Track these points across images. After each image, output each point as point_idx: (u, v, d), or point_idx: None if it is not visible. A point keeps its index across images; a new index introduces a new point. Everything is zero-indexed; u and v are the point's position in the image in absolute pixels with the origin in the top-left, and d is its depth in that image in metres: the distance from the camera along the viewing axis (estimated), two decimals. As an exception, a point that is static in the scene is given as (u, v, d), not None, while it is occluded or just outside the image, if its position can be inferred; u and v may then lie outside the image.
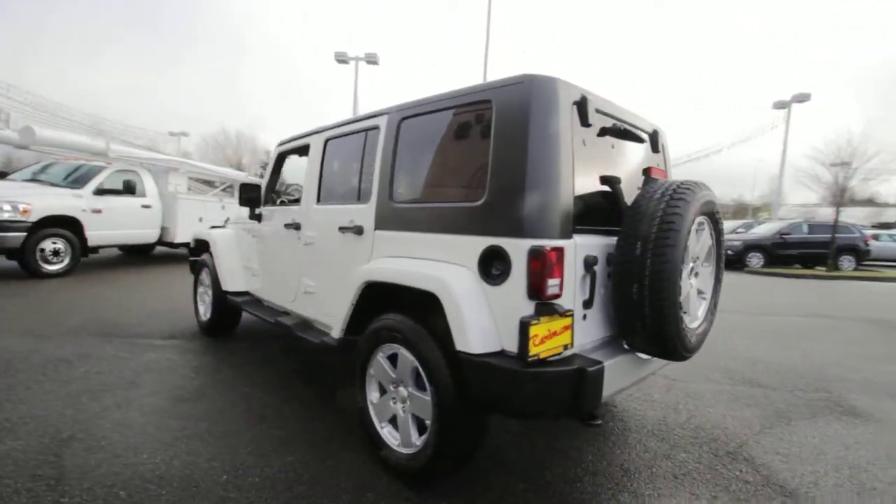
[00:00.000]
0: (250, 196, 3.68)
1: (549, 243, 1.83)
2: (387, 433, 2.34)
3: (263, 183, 3.73)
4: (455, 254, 2.08)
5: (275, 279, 3.54)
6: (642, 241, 1.90)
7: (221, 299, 4.18)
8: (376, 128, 2.63)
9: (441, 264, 2.09)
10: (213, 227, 4.74)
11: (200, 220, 9.67)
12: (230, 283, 4.06)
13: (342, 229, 2.72)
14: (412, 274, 2.12)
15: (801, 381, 3.98)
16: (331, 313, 2.84)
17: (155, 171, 9.50)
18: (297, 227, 3.20)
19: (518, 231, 1.85)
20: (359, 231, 2.60)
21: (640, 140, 2.49)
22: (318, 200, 3.05)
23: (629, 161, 2.44)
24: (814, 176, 14.99)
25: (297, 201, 3.49)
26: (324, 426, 2.75)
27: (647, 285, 1.88)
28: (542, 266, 1.79)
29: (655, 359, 2.28)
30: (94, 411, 2.81)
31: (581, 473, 2.42)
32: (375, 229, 2.51)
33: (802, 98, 15.70)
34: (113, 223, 8.31)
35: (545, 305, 1.82)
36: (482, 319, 1.90)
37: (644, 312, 1.90)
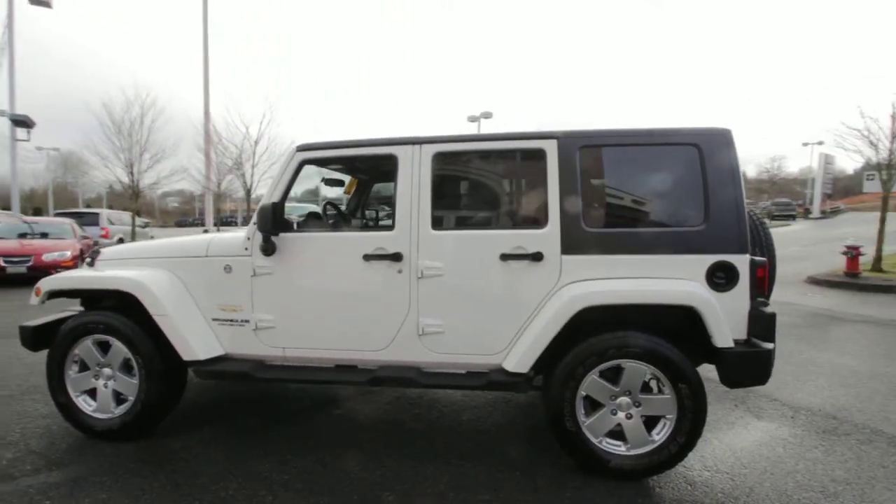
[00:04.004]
0: (276, 220, 2.64)
1: (754, 256, 2.51)
2: (606, 444, 2.49)
3: (272, 200, 2.72)
4: (676, 270, 2.45)
5: (334, 326, 2.72)
6: (760, 247, 2.80)
7: (173, 376, 2.79)
8: (538, 150, 2.56)
9: (671, 281, 2.43)
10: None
11: None
12: (201, 348, 2.76)
13: (506, 257, 2.52)
14: (661, 293, 2.37)
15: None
16: (485, 349, 2.60)
17: None
18: (394, 257, 2.61)
19: (741, 248, 2.43)
20: (537, 257, 2.51)
21: None
22: (434, 225, 2.62)
23: None
24: None
25: (367, 224, 2.75)
26: (504, 479, 2.55)
27: (769, 272, 2.80)
28: (764, 272, 2.46)
29: None
30: None
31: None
32: (563, 254, 2.51)
33: (487, 115, 20.76)
34: None
35: (760, 302, 2.49)
36: (725, 320, 2.40)
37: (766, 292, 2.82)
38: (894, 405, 3.50)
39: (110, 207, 24.04)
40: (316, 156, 2.82)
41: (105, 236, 13.47)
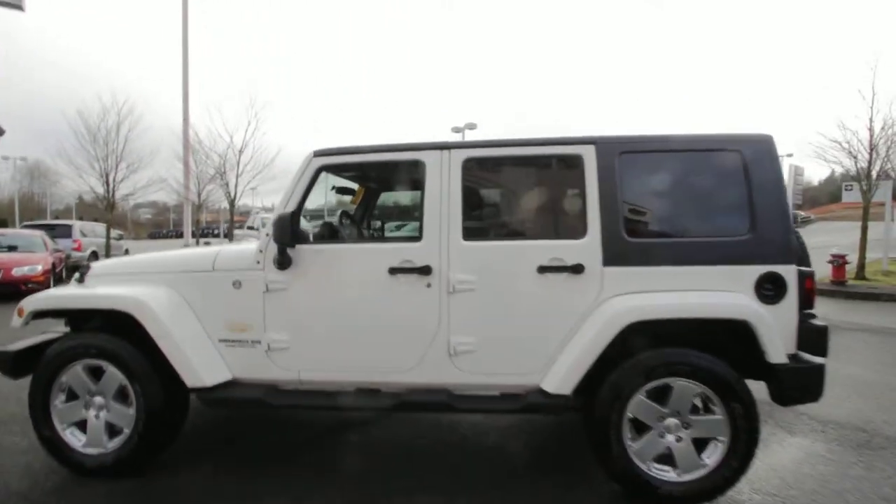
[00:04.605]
0: (294, 230, 2.43)
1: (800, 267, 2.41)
2: (655, 470, 2.33)
3: (289, 210, 2.50)
4: (722, 282, 2.33)
5: (356, 346, 2.51)
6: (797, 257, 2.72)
7: (174, 404, 2.53)
8: (575, 156, 2.42)
9: (721, 293, 2.31)
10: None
11: None
12: (207, 373, 2.50)
13: (544, 269, 2.36)
14: (714, 306, 2.25)
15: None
16: (521, 369, 2.42)
17: None
18: (423, 270, 2.42)
19: (789, 258, 2.33)
20: (577, 269, 2.36)
21: None
22: (466, 236, 2.44)
23: None
24: None
25: (376, 236, 2.58)
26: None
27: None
28: (813, 284, 2.36)
29: None
30: None
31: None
32: (605, 265, 2.36)
33: (471, 126, 20.78)
34: None
35: (808, 314, 2.39)
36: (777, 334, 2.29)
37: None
38: (919, 416, 3.46)
39: (80, 219, 23.04)
40: (334, 161, 2.62)
41: (78, 249, 12.82)
